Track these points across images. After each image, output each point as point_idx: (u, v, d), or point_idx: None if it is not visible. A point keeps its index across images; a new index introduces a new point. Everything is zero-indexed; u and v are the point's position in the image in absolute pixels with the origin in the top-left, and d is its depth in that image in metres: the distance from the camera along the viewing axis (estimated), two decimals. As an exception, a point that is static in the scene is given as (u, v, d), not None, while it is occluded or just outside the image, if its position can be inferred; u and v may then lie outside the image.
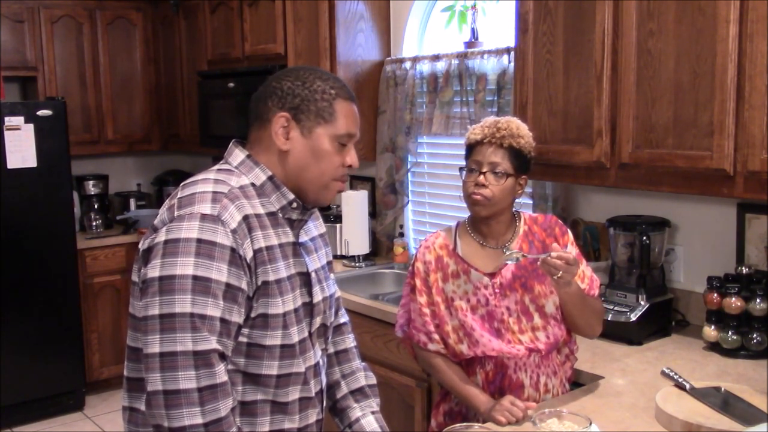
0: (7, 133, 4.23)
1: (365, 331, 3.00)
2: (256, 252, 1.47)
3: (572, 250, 2.01)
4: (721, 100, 2.12)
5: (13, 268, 4.32)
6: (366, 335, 2.99)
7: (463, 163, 2.05)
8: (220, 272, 1.40)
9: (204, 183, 1.50)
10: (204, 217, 1.42)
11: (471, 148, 2.00)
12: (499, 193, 1.95)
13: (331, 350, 1.83)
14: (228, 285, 1.42)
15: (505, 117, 2.04)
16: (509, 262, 1.94)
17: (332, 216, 3.86)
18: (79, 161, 4.98)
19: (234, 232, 1.43)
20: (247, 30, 4.25)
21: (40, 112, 4.33)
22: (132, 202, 5.26)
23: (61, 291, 4.49)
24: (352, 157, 1.58)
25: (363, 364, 1.87)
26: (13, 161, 4.26)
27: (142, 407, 1.49)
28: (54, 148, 4.39)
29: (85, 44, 4.97)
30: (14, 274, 4.32)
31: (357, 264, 3.76)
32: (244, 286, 1.45)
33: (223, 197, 1.46)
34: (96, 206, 5.11)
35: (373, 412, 1.79)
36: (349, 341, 1.87)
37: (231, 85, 4.27)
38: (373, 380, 1.86)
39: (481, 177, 1.94)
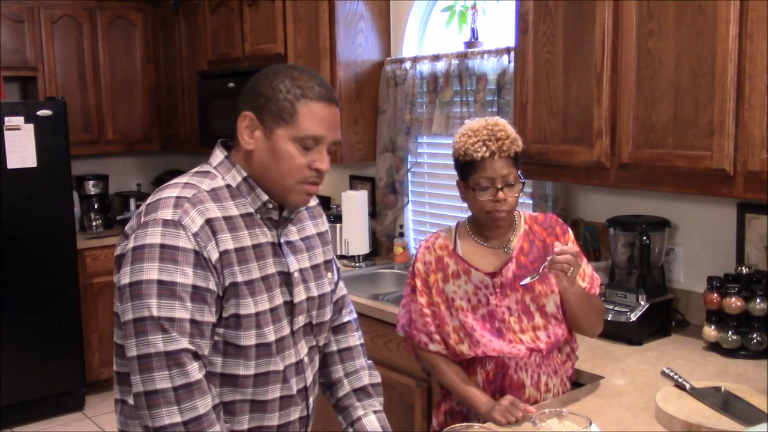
0: (7, 133, 4.23)
1: (365, 331, 2.96)
2: (222, 254, 1.48)
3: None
4: (721, 100, 2.12)
5: (13, 267, 4.32)
6: (366, 335, 2.96)
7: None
8: (184, 275, 1.43)
9: (171, 188, 1.53)
10: (166, 223, 1.45)
11: (474, 163, 1.92)
12: (515, 202, 1.95)
13: (334, 348, 1.83)
14: (195, 287, 1.44)
15: (490, 120, 1.95)
16: (528, 281, 1.90)
17: (332, 216, 3.86)
18: (79, 161, 4.98)
19: (196, 235, 1.45)
20: (247, 30, 4.25)
21: (40, 112, 4.33)
22: (132, 202, 5.25)
23: (61, 291, 4.50)
24: (320, 161, 1.53)
25: (368, 362, 1.87)
26: (13, 161, 4.26)
27: (131, 400, 1.52)
28: (54, 148, 4.39)
29: (85, 44, 4.97)
30: (14, 274, 4.33)
31: (357, 264, 3.76)
32: (212, 286, 1.47)
33: (185, 202, 1.48)
34: (96, 206, 5.11)
35: (375, 411, 1.79)
36: (354, 339, 1.87)
37: (231, 85, 4.27)
38: (378, 379, 1.86)
39: (500, 193, 1.90)
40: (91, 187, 5.16)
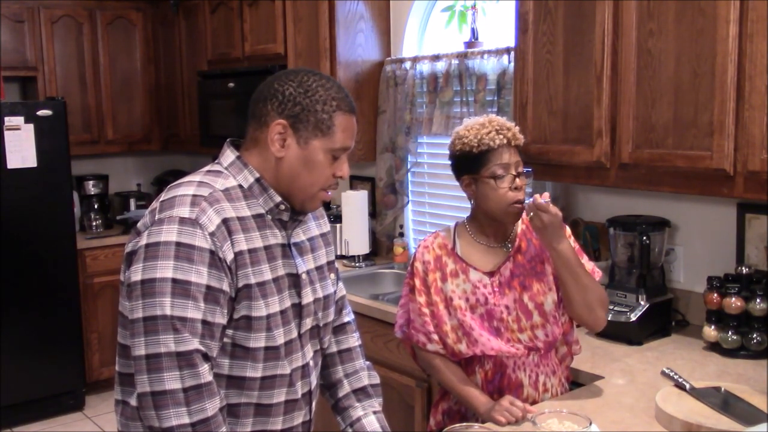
0: (7, 133, 4.23)
1: (365, 331, 2.99)
2: (236, 255, 1.48)
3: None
4: (721, 100, 2.12)
5: (13, 268, 4.32)
6: (366, 335, 2.99)
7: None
8: (199, 275, 1.42)
9: (186, 186, 1.51)
10: (182, 221, 1.43)
11: (489, 153, 1.93)
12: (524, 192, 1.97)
13: (334, 349, 1.83)
14: (208, 287, 1.43)
15: (489, 117, 2.00)
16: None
17: (332, 216, 3.86)
18: (79, 161, 4.98)
19: (212, 234, 1.44)
20: (247, 30, 4.25)
21: (40, 112, 4.33)
22: (132, 202, 5.25)
23: (61, 291, 4.49)
24: (343, 170, 1.59)
25: (367, 363, 1.87)
26: (13, 161, 4.26)
27: (133, 401, 1.52)
28: (54, 148, 4.39)
29: (85, 44, 4.97)
30: (14, 274, 4.32)
31: (357, 264, 3.76)
32: (225, 287, 1.46)
33: (202, 200, 1.47)
34: (96, 206, 5.11)
35: (375, 412, 1.79)
36: (353, 340, 1.87)
37: (231, 85, 4.27)
38: (377, 380, 1.86)
39: (518, 180, 1.93)
40: (91, 187, 5.16)
